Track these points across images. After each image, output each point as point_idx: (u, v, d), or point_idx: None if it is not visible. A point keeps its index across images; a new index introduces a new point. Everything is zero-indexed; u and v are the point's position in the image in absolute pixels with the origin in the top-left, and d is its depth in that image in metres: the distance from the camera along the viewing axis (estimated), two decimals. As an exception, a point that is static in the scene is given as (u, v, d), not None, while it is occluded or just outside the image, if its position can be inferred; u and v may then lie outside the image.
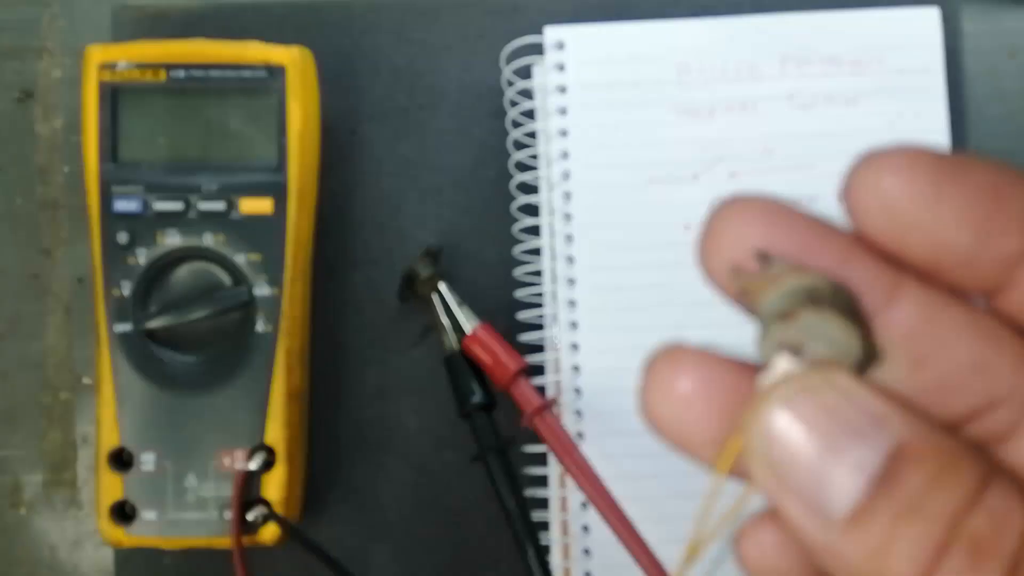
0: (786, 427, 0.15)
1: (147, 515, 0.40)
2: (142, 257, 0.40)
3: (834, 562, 0.14)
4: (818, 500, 0.14)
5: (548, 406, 0.41)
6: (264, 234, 0.40)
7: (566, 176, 0.43)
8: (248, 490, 0.40)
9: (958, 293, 0.16)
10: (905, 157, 0.15)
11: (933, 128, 0.42)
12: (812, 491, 0.14)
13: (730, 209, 0.17)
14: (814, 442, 0.14)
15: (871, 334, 0.16)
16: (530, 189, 0.44)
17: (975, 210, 0.15)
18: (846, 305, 0.16)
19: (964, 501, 0.14)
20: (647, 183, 0.43)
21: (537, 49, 0.44)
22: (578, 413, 0.42)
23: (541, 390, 0.42)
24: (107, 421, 0.40)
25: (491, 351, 0.42)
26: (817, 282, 0.16)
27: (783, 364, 0.16)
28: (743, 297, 0.17)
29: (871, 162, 0.15)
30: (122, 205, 0.40)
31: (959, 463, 0.14)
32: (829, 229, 0.16)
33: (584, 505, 0.42)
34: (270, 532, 0.40)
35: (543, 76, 0.44)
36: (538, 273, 0.44)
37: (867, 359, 0.16)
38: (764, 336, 0.16)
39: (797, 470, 0.14)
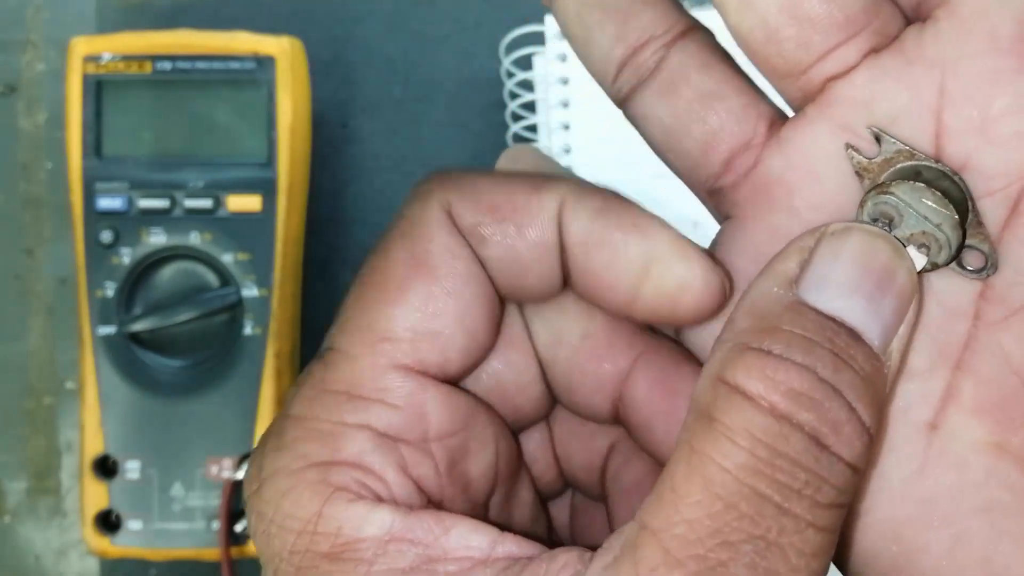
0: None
1: (133, 525, 0.39)
2: (126, 257, 0.40)
3: None
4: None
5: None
6: (253, 232, 0.39)
7: (568, 172, 0.42)
8: (237, 500, 0.39)
9: None
10: None
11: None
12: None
13: None
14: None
15: (968, 223, 0.16)
16: (531, 185, 0.43)
17: None
18: (951, 191, 0.16)
19: None
20: (653, 178, 0.41)
21: (538, 39, 0.43)
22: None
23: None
24: (91, 427, 0.39)
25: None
26: (925, 165, 0.16)
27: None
28: (859, 176, 0.17)
29: None
30: (106, 202, 0.40)
31: None
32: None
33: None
34: (259, 544, 0.39)
35: (544, 67, 0.43)
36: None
37: (958, 244, 0.16)
38: (860, 205, 0.16)
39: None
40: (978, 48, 0.16)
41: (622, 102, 0.19)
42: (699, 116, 0.18)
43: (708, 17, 0.19)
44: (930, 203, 0.16)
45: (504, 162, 0.21)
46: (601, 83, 0.19)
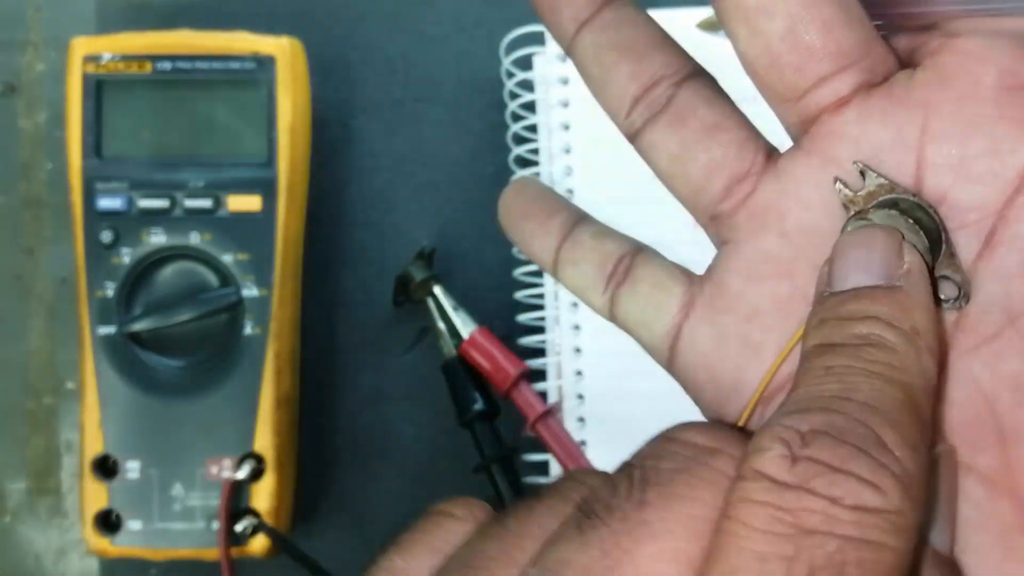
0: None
1: (133, 525, 0.39)
2: (126, 257, 0.39)
3: None
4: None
5: (550, 412, 0.40)
6: (253, 233, 0.39)
7: (569, 172, 0.42)
8: (236, 500, 0.39)
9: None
10: None
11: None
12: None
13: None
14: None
15: (942, 254, 0.17)
16: (531, 185, 0.43)
17: None
18: (925, 222, 0.17)
19: None
20: (652, 180, 0.41)
21: (538, 38, 0.43)
22: (581, 420, 0.41)
23: (542, 396, 0.41)
24: (91, 427, 0.39)
25: (490, 356, 0.41)
26: (903, 198, 0.18)
27: None
28: (845, 208, 0.18)
29: None
30: (106, 202, 0.40)
31: None
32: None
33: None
34: (259, 544, 0.39)
35: (544, 67, 0.43)
36: (539, 273, 0.42)
37: (929, 264, 0.17)
38: (842, 230, 0.18)
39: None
40: (961, 94, 0.17)
41: (634, 135, 0.21)
42: (705, 146, 0.20)
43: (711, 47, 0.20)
44: (904, 228, 0.17)
45: (509, 194, 0.23)
46: (614, 117, 0.21)
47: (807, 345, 0.17)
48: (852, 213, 0.18)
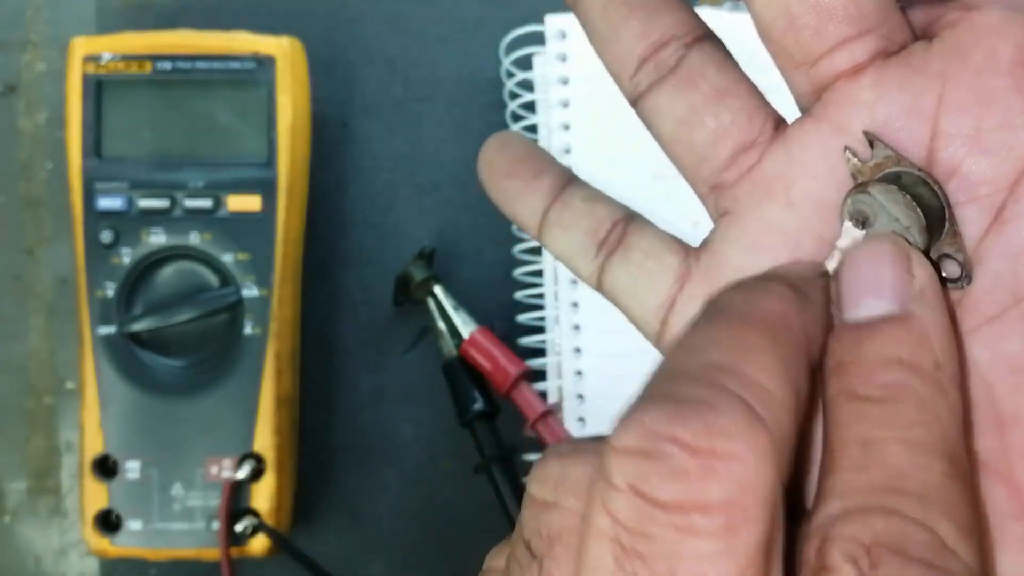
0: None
1: (133, 525, 0.39)
2: (126, 257, 0.40)
3: None
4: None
5: (550, 412, 0.40)
6: (253, 233, 0.39)
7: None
8: (236, 500, 0.39)
9: None
10: None
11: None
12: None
13: None
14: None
15: (945, 231, 0.17)
16: (531, 185, 0.43)
17: None
18: (927, 198, 0.17)
19: None
20: (653, 178, 0.41)
21: (538, 39, 0.43)
22: (581, 420, 0.41)
23: (542, 396, 0.41)
24: (91, 427, 0.39)
25: (490, 356, 0.41)
26: (906, 171, 0.17)
27: (847, 235, 0.18)
28: (854, 178, 0.18)
29: None
30: (106, 202, 0.40)
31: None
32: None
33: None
34: (259, 543, 0.39)
35: (544, 67, 0.43)
36: (539, 273, 0.42)
37: (925, 247, 0.17)
38: (842, 203, 0.18)
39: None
40: (979, 66, 0.17)
41: (638, 97, 0.20)
42: (714, 111, 0.19)
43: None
44: (901, 206, 0.17)
45: (491, 149, 0.22)
46: (618, 78, 0.20)
47: (829, 390, 0.16)
48: (856, 184, 0.18)
